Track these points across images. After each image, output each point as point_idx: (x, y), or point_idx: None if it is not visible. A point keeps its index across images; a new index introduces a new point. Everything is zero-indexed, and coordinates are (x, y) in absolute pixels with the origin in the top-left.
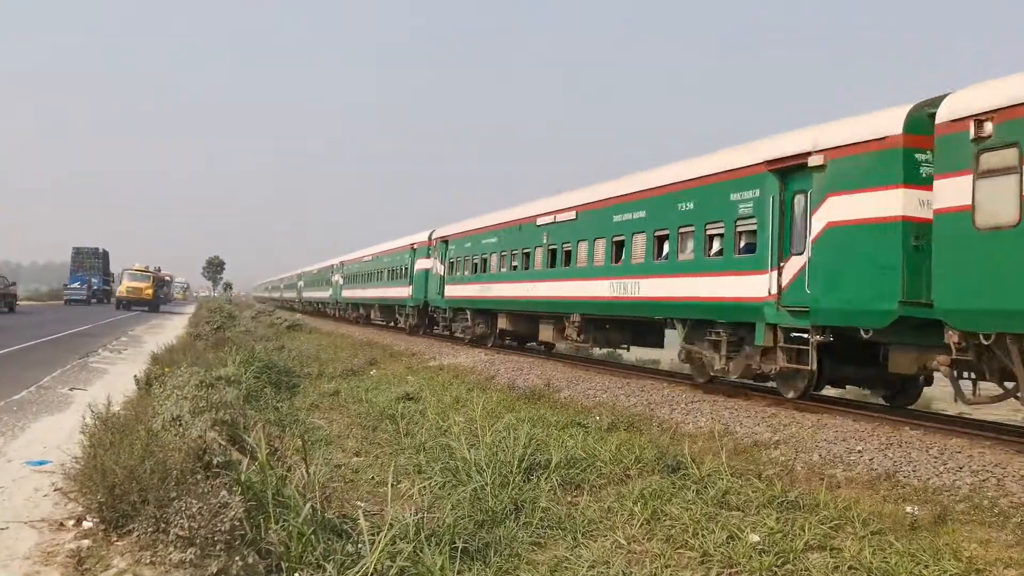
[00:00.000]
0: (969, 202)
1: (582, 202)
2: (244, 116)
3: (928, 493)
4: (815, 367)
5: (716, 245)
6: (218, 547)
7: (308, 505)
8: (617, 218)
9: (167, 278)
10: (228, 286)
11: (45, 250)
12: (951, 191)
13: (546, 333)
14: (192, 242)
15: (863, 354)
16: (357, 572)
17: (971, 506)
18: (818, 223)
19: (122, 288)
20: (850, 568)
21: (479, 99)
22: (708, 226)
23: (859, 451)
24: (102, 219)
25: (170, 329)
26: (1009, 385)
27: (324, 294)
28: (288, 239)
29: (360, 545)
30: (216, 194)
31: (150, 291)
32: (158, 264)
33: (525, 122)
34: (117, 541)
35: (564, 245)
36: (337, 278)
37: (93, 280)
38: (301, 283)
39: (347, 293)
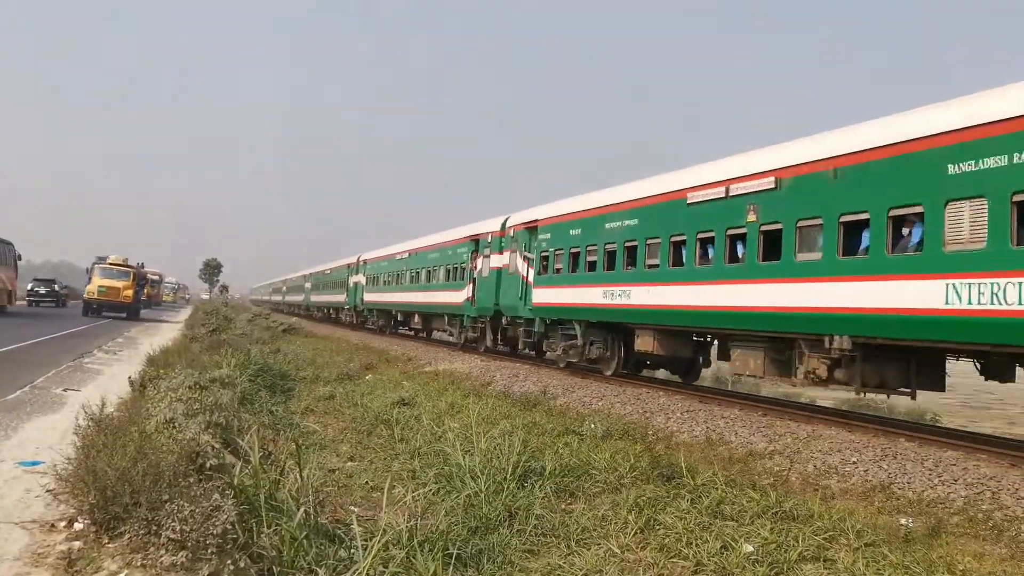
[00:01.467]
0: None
1: None
2: (241, 119)
3: (923, 505)
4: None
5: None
6: (210, 551)
7: (301, 510)
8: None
9: (154, 277)
10: (224, 288)
11: (39, 250)
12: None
13: None
14: (191, 245)
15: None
16: None
17: (966, 519)
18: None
19: (91, 287)
20: None
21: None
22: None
23: (854, 462)
24: (95, 219)
25: (164, 332)
26: None
27: (421, 297)
28: (287, 242)
29: (353, 550)
30: (216, 196)
31: (129, 292)
32: (141, 260)
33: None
34: (108, 543)
35: None
36: (481, 265)
37: None
38: (357, 279)
39: (550, 296)
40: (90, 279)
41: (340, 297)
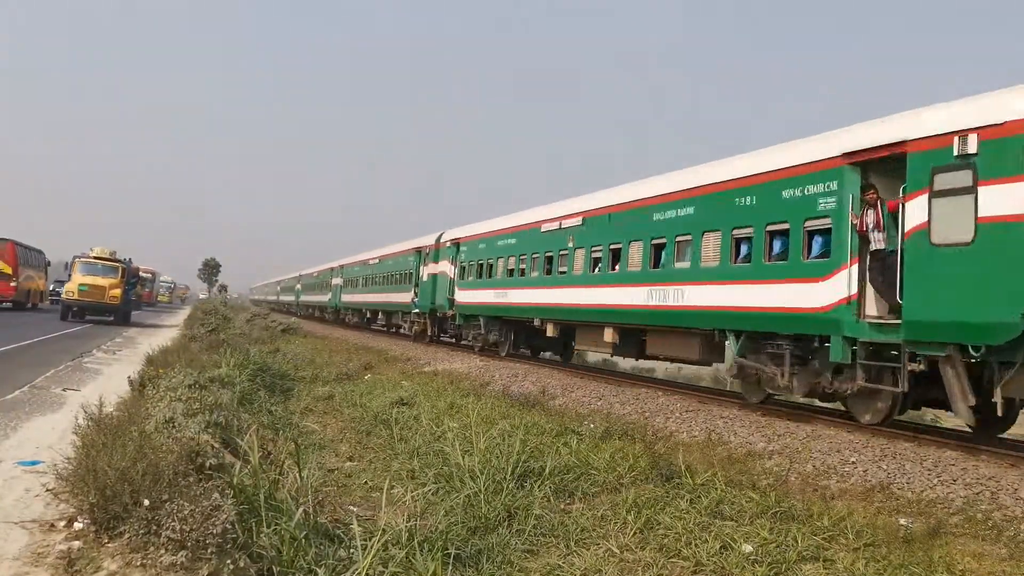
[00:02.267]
0: None
1: None
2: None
3: (922, 505)
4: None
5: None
6: (209, 550)
7: (301, 509)
8: None
9: (146, 274)
10: (223, 288)
11: None
12: None
13: None
14: (188, 245)
15: None
16: None
17: (965, 519)
18: None
19: (71, 286)
20: None
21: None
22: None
23: (853, 462)
24: (92, 219)
25: (162, 334)
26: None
27: (634, 296)
28: (282, 245)
29: (352, 550)
30: (213, 197)
31: (117, 292)
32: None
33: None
34: (108, 543)
35: None
36: (939, 215)
37: None
38: (439, 269)
39: None
40: (70, 275)
41: (399, 296)
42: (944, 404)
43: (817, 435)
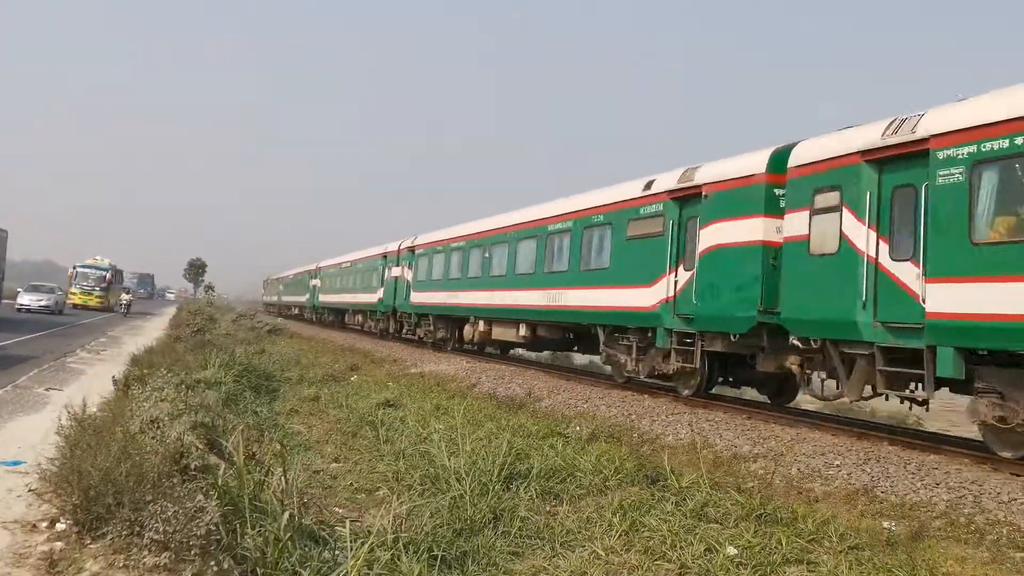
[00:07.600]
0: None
1: None
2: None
3: (905, 509)
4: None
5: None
6: (193, 552)
7: (287, 512)
8: None
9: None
10: (209, 288)
11: (19, 248)
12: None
13: None
14: (178, 247)
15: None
16: None
17: (948, 523)
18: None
19: None
20: None
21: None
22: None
23: (837, 465)
24: (85, 218)
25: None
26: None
27: None
28: (273, 247)
29: (337, 552)
30: (205, 196)
31: None
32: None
33: None
34: (91, 544)
35: None
36: None
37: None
38: None
39: None
40: None
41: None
42: None
43: (802, 438)
